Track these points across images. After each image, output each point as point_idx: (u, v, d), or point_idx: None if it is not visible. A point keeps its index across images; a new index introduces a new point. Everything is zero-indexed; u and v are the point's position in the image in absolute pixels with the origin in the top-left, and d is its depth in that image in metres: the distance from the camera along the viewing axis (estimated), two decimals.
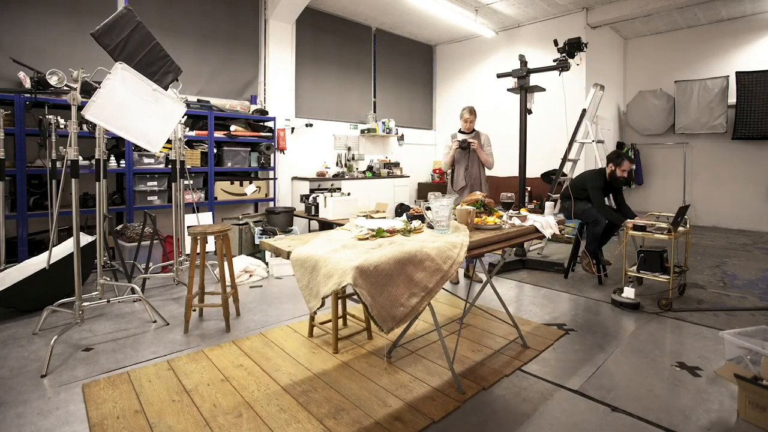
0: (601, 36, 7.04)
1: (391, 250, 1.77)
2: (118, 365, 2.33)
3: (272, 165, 5.62)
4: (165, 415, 1.87)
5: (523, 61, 4.57)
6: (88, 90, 2.73)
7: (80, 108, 2.49)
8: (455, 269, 1.88)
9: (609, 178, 3.83)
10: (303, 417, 1.86)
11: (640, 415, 1.90)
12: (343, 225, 2.48)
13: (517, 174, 5.25)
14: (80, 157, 2.64)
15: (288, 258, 1.88)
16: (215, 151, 5.09)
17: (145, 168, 4.44)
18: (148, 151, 3.78)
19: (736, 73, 6.67)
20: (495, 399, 2.03)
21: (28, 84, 3.82)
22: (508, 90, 4.76)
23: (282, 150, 5.94)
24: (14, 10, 4.07)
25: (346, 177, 6.55)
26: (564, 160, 5.00)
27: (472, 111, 3.90)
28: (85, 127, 3.83)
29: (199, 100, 5.13)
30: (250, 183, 5.36)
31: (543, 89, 4.69)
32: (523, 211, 2.65)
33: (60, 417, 1.87)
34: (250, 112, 5.52)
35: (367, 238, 2.03)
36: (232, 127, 5.21)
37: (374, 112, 7.56)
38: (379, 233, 2.08)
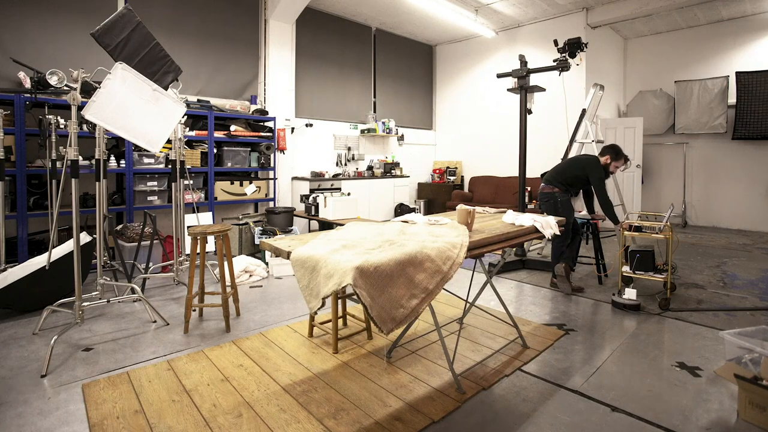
0: (601, 36, 7.04)
1: (391, 251, 1.77)
2: (118, 365, 2.33)
3: (272, 165, 5.62)
4: (165, 415, 1.87)
5: (523, 61, 4.57)
6: (88, 90, 2.73)
7: (80, 108, 2.49)
8: (455, 270, 1.88)
9: None
10: (303, 417, 1.86)
11: (640, 415, 1.90)
12: (343, 225, 2.47)
13: (517, 174, 5.25)
14: (80, 157, 2.64)
15: (288, 258, 1.88)
16: (215, 151, 5.09)
17: (145, 168, 4.44)
18: (148, 151, 3.78)
19: (736, 73, 6.67)
20: (495, 399, 2.03)
21: (28, 84, 3.82)
22: (509, 90, 4.76)
23: (282, 150, 5.94)
24: (14, 10, 4.07)
25: (346, 177, 6.55)
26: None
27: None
28: (85, 127, 3.83)
29: (199, 100, 5.13)
30: (250, 183, 5.36)
31: (543, 89, 4.69)
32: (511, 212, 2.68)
33: (60, 417, 1.87)
34: (250, 112, 5.52)
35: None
36: (232, 127, 5.21)
37: (374, 112, 7.56)
38: None
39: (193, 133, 4.86)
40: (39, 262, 3.07)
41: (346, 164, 7.09)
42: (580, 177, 3.70)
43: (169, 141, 3.69)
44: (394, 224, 2.38)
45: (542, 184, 3.85)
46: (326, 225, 4.83)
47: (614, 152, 3.68)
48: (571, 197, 3.76)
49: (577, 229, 3.80)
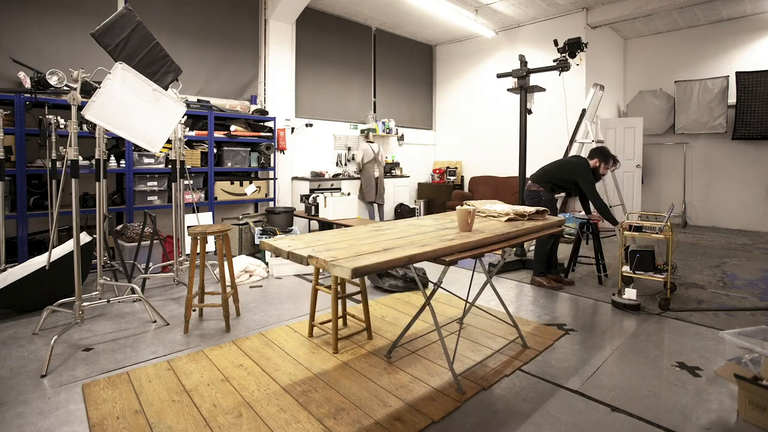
0: (601, 36, 7.04)
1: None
2: (118, 365, 2.33)
3: (272, 165, 5.62)
4: (165, 415, 1.87)
5: (523, 61, 4.57)
6: (88, 90, 2.73)
7: (80, 108, 2.49)
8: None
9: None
10: (303, 417, 1.86)
11: (640, 415, 1.90)
12: (343, 225, 2.47)
13: (517, 174, 5.25)
14: (80, 157, 2.64)
15: (288, 258, 1.87)
16: (215, 151, 5.09)
17: (145, 168, 4.44)
18: (148, 151, 3.78)
19: (736, 73, 6.67)
20: (495, 399, 2.03)
21: (28, 84, 3.82)
22: (508, 90, 4.76)
23: (282, 150, 5.94)
24: (15, 10, 4.07)
25: (346, 177, 6.55)
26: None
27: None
28: (85, 127, 3.83)
29: (199, 100, 5.13)
30: (250, 183, 5.36)
31: (543, 89, 4.69)
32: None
33: (60, 417, 1.87)
34: (250, 112, 5.52)
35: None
36: (232, 127, 5.21)
37: (374, 112, 7.56)
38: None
39: (193, 133, 4.86)
40: (39, 262, 3.07)
41: (346, 164, 7.09)
42: (567, 181, 3.75)
43: (169, 141, 3.69)
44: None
45: (529, 182, 3.90)
46: (326, 225, 4.83)
47: (602, 155, 3.73)
48: (570, 197, 3.76)
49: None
